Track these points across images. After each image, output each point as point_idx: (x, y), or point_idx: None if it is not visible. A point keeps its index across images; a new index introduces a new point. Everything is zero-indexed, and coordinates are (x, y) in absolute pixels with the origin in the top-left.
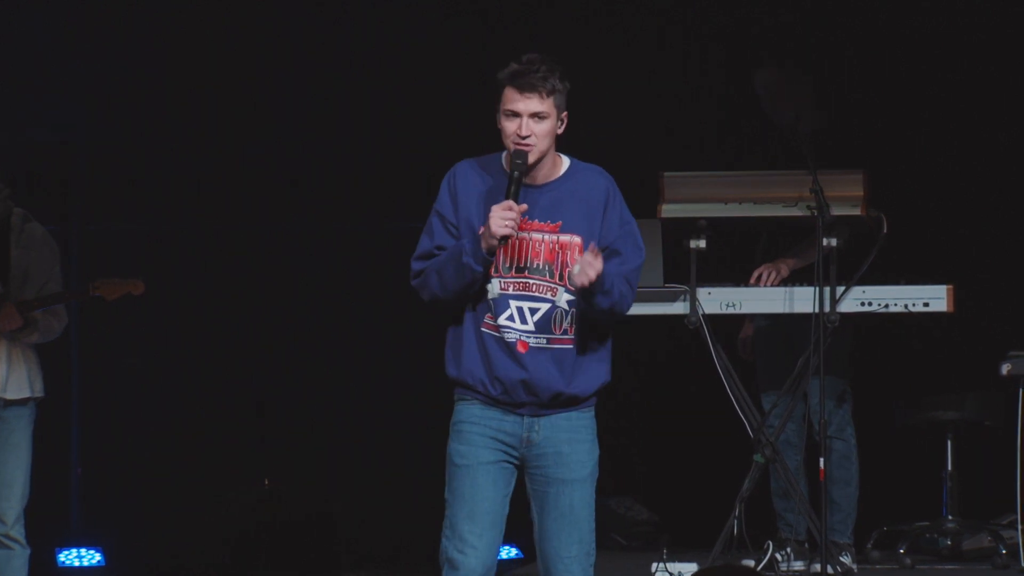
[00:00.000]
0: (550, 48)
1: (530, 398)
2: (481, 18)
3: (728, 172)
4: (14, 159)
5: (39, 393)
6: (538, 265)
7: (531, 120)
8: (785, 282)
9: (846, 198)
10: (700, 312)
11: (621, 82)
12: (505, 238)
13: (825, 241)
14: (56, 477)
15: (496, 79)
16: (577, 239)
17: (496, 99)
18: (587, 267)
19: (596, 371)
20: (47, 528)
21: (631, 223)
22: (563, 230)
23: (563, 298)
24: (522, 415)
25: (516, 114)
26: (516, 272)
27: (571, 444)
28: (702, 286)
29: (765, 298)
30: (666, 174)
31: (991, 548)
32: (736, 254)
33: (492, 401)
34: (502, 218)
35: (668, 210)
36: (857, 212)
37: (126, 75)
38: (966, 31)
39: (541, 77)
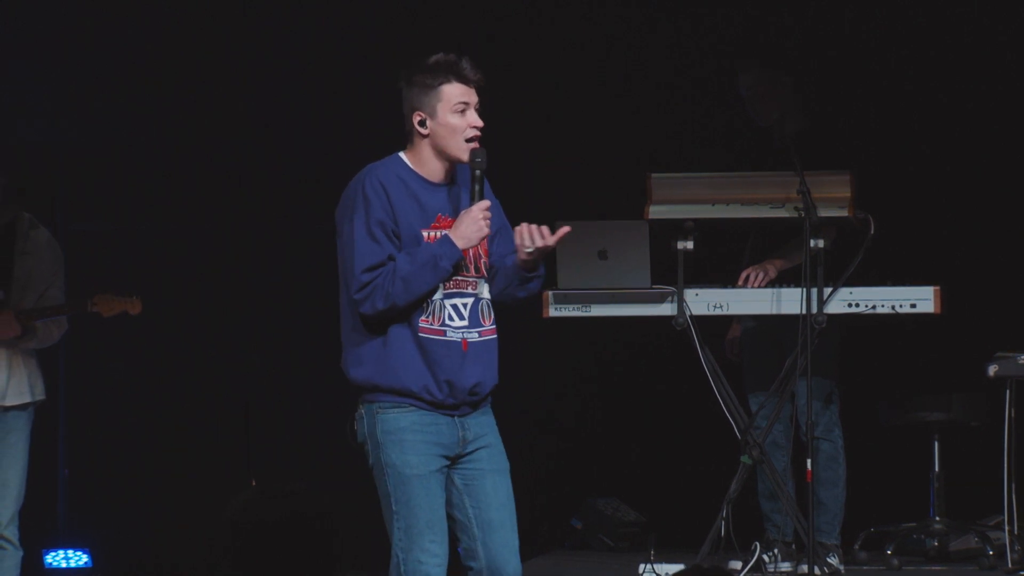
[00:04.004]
0: (547, 47)
1: (472, 397)
2: (479, 18)
3: (715, 173)
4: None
5: (40, 396)
6: (462, 261)
7: (475, 113)
8: (772, 283)
9: (833, 199)
10: (687, 313)
11: (610, 81)
12: (482, 239)
13: (812, 242)
14: (43, 478)
15: (416, 81)
16: (487, 229)
17: (419, 103)
18: (535, 233)
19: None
20: (34, 529)
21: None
22: None
23: (484, 290)
24: (454, 416)
25: (465, 107)
26: None
27: (495, 436)
28: (689, 287)
29: (752, 299)
30: (653, 175)
31: (978, 549)
32: (724, 255)
33: (431, 406)
34: (485, 219)
35: (655, 211)
36: (844, 213)
37: (112, 75)
38: (953, 32)
39: (475, 67)
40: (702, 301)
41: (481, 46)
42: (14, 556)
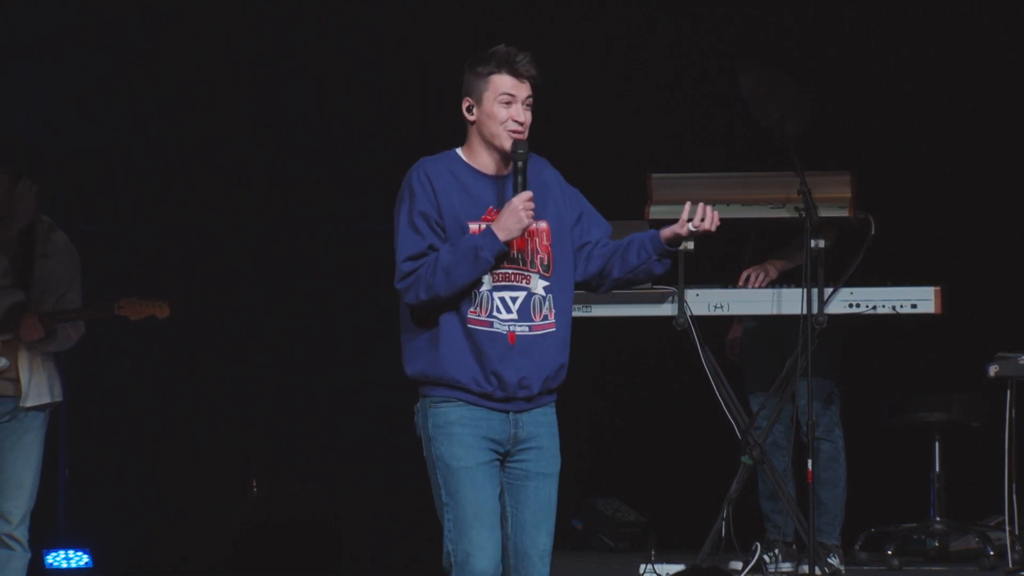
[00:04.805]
0: (547, 47)
1: (523, 391)
2: (479, 18)
3: (716, 173)
4: None
5: (57, 398)
6: (514, 254)
7: (523, 106)
8: (773, 284)
9: (834, 200)
10: (688, 313)
11: (610, 81)
12: (524, 230)
13: (813, 243)
14: (43, 479)
15: (471, 68)
16: (543, 224)
17: (469, 88)
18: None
19: (564, 357)
20: (35, 530)
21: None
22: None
23: (538, 285)
24: (508, 411)
25: (511, 100)
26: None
27: (550, 438)
28: (690, 287)
29: (753, 300)
30: (654, 175)
31: (978, 549)
32: (724, 255)
33: (480, 399)
34: (526, 210)
35: (656, 211)
36: (845, 214)
37: (112, 75)
38: (953, 32)
39: (530, 62)
40: (702, 301)
41: (481, 46)
42: (22, 558)
